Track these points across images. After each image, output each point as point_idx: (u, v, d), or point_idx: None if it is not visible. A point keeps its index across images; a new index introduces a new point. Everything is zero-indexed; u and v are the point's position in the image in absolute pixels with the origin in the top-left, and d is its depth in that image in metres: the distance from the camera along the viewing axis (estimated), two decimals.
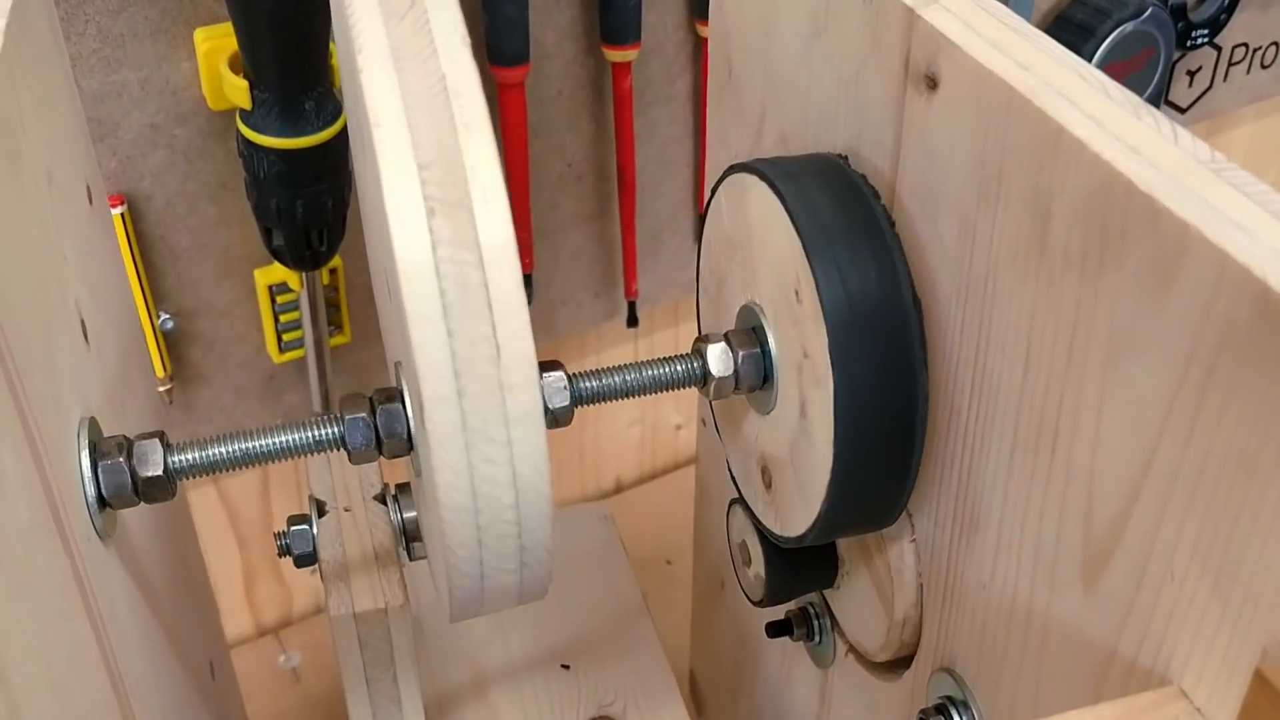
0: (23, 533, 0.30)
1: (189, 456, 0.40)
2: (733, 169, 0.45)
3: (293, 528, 0.54)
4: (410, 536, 0.54)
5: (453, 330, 0.33)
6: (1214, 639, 0.29)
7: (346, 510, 0.56)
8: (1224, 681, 0.29)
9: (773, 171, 0.42)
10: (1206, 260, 0.28)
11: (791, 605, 0.54)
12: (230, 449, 0.40)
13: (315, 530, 0.55)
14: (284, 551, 0.54)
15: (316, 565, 0.54)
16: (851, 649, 0.51)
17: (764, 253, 0.42)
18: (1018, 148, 0.34)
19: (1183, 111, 1.07)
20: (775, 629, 0.54)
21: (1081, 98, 0.33)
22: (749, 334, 0.43)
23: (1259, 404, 0.27)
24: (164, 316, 0.74)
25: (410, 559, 0.54)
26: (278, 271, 0.74)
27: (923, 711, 0.42)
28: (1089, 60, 0.91)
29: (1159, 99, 1.02)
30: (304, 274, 0.73)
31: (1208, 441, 0.29)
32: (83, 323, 0.42)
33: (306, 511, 0.56)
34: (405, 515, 0.54)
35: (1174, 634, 0.31)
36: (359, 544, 0.55)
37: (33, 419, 0.33)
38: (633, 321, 0.90)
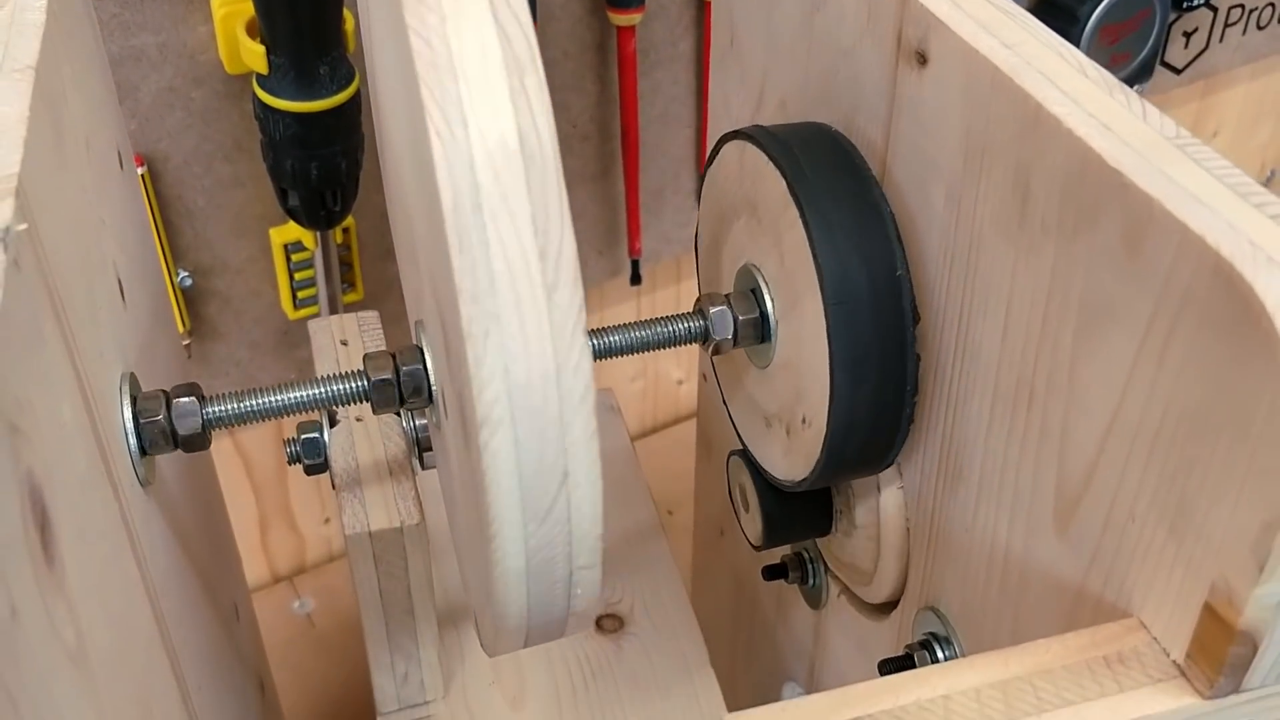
0: (81, 480, 0.33)
1: (224, 408, 0.43)
2: (730, 135, 0.47)
3: (303, 435, 0.53)
4: (423, 446, 0.53)
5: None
6: (1169, 576, 0.32)
7: (358, 420, 0.55)
8: (1178, 614, 0.32)
9: (768, 138, 0.44)
10: (1168, 232, 0.30)
11: (787, 550, 0.57)
12: (262, 401, 0.43)
13: (326, 439, 0.53)
14: (294, 459, 0.53)
15: (329, 474, 0.53)
16: (843, 591, 0.54)
17: (761, 217, 0.45)
18: (1001, 123, 0.36)
19: (1178, 72, 1.09)
20: (771, 572, 0.57)
21: (1060, 76, 0.35)
22: (748, 295, 0.46)
23: (1211, 365, 0.29)
24: (183, 274, 0.76)
25: (423, 468, 0.53)
26: (292, 230, 0.76)
27: (908, 646, 0.45)
28: (1086, 21, 0.93)
29: (1155, 60, 1.03)
30: (318, 233, 0.75)
31: (1166, 398, 0.31)
32: (120, 283, 0.44)
33: (316, 418, 0.54)
34: (418, 424, 0.53)
35: (1135, 572, 0.33)
36: (371, 454, 0.53)
37: (84, 374, 0.35)
38: (636, 279, 0.92)
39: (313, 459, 0.53)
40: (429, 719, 0.60)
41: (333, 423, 0.55)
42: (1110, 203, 0.32)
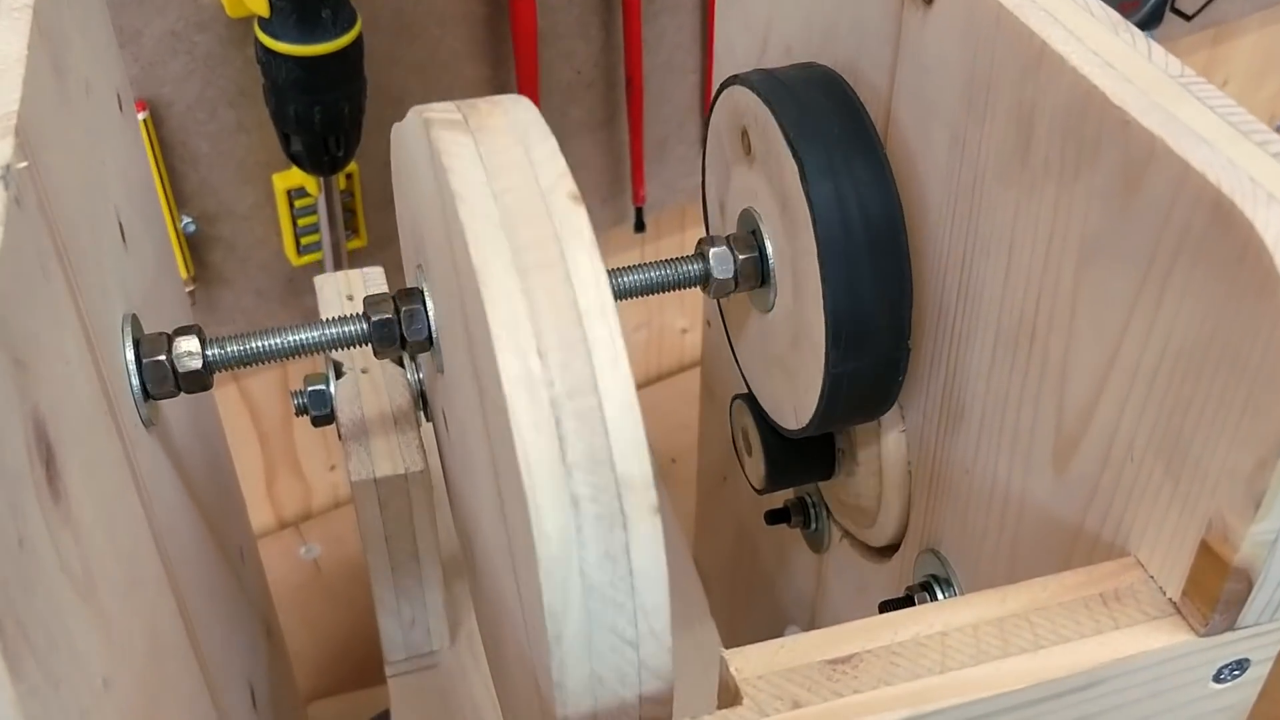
0: (87, 416, 0.33)
1: (225, 350, 0.43)
2: (730, 80, 0.47)
3: (309, 387, 0.53)
4: (427, 398, 0.54)
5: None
6: (1166, 514, 0.32)
7: (364, 371, 0.56)
8: (1174, 552, 0.32)
9: (766, 83, 0.44)
10: (1169, 169, 0.30)
11: (789, 495, 0.57)
12: (263, 343, 0.43)
13: (333, 390, 0.54)
14: (301, 410, 0.54)
15: (335, 425, 0.54)
16: (845, 535, 0.54)
17: (760, 159, 0.45)
18: (1004, 62, 0.36)
19: (1189, 19, 1.08)
20: (774, 516, 0.57)
21: (1064, 14, 0.35)
22: (749, 237, 0.46)
23: (1209, 303, 0.29)
24: (186, 220, 0.76)
25: (427, 419, 0.54)
26: (295, 176, 0.76)
27: (909, 588, 0.46)
28: None
29: (1165, 5, 1.02)
30: (321, 179, 0.75)
31: (1164, 338, 0.31)
32: (120, 225, 0.44)
33: (323, 370, 0.55)
34: (422, 376, 0.53)
35: (1132, 511, 0.34)
36: (377, 405, 0.55)
37: (87, 314, 0.35)
38: (640, 227, 0.92)
39: (319, 410, 0.54)
40: (436, 667, 0.61)
41: (338, 374, 0.56)
42: (1112, 141, 0.32)
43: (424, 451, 0.53)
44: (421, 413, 0.55)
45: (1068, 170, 0.34)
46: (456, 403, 0.41)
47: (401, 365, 0.56)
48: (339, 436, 0.55)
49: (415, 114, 0.37)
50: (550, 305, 0.31)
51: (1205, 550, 0.31)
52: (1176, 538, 0.32)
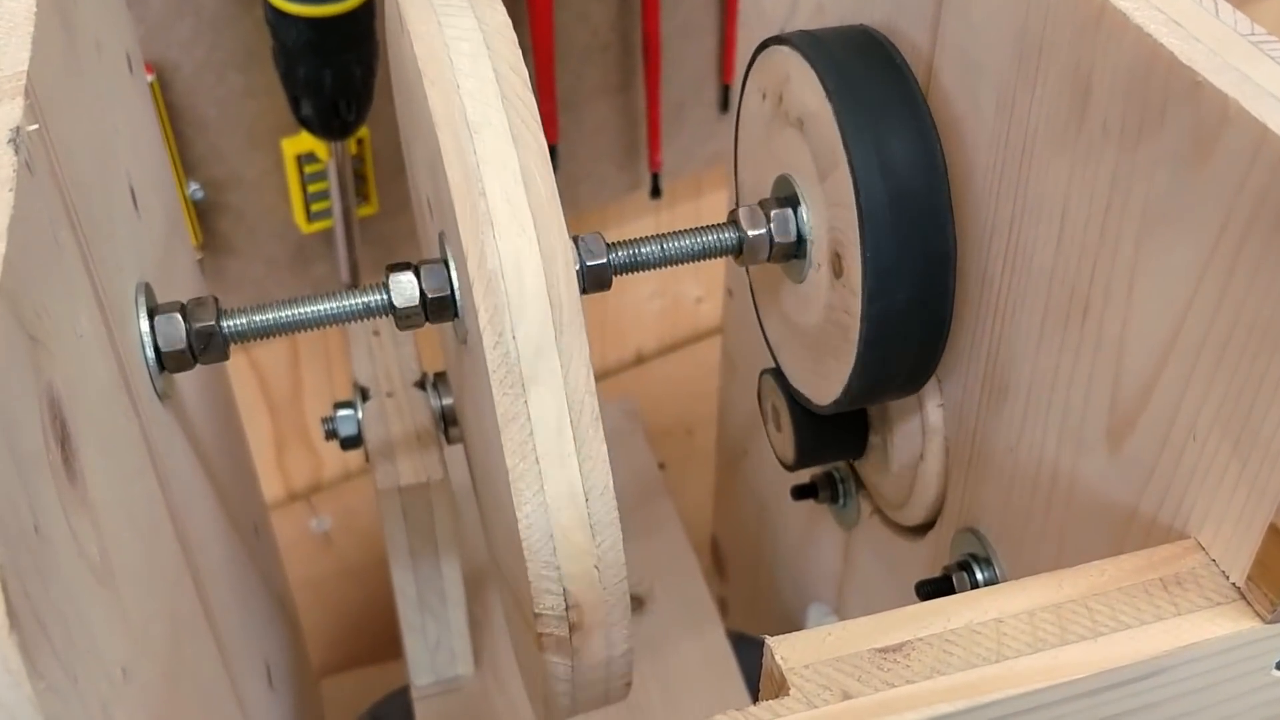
0: (103, 392, 0.31)
1: (241, 320, 0.41)
2: (768, 42, 0.45)
3: (339, 412, 0.58)
4: (449, 421, 0.57)
5: None
6: (1231, 496, 0.31)
7: (389, 395, 0.59)
8: (1239, 535, 0.31)
9: (807, 43, 0.42)
10: (1245, 133, 0.28)
11: (817, 470, 0.56)
12: (282, 314, 0.42)
13: (360, 414, 0.58)
14: (331, 435, 0.58)
15: (363, 447, 0.58)
16: (876, 511, 0.53)
17: (798, 123, 0.43)
18: (1059, 21, 0.34)
19: None
20: (800, 492, 0.56)
21: None
22: (784, 203, 0.44)
23: None
24: (194, 186, 0.75)
25: (449, 442, 0.57)
26: (305, 141, 0.75)
27: (946, 567, 0.44)
28: None
29: None
30: (332, 144, 0.73)
31: (1235, 311, 0.30)
32: (133, 192, 0.43)
33: (349, 397, 0.59)
34: (444, 402, 0.57)
35: (1194, 492, 0.32)
36: (401, 426, 0.58)
37: (100, 284, 0.34)
38: (656, 193, 0.90)
39: (348, 433, 0.58)
40: (460, 690, 0.61)
41: (365, 399, 0.60)
42: (1180, 104, 0.30)
43: (445, 465, 0.56)
44: (443, 435, 0.58)
45: (1129, 135, 0.32)
46: (477, 367, 0.40)
47: (424, 390, 0.59)
48: (365, 459, 0.58)
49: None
50: None
51: (1274, 534, 0.30)
52: (1243, 521, 0.31)
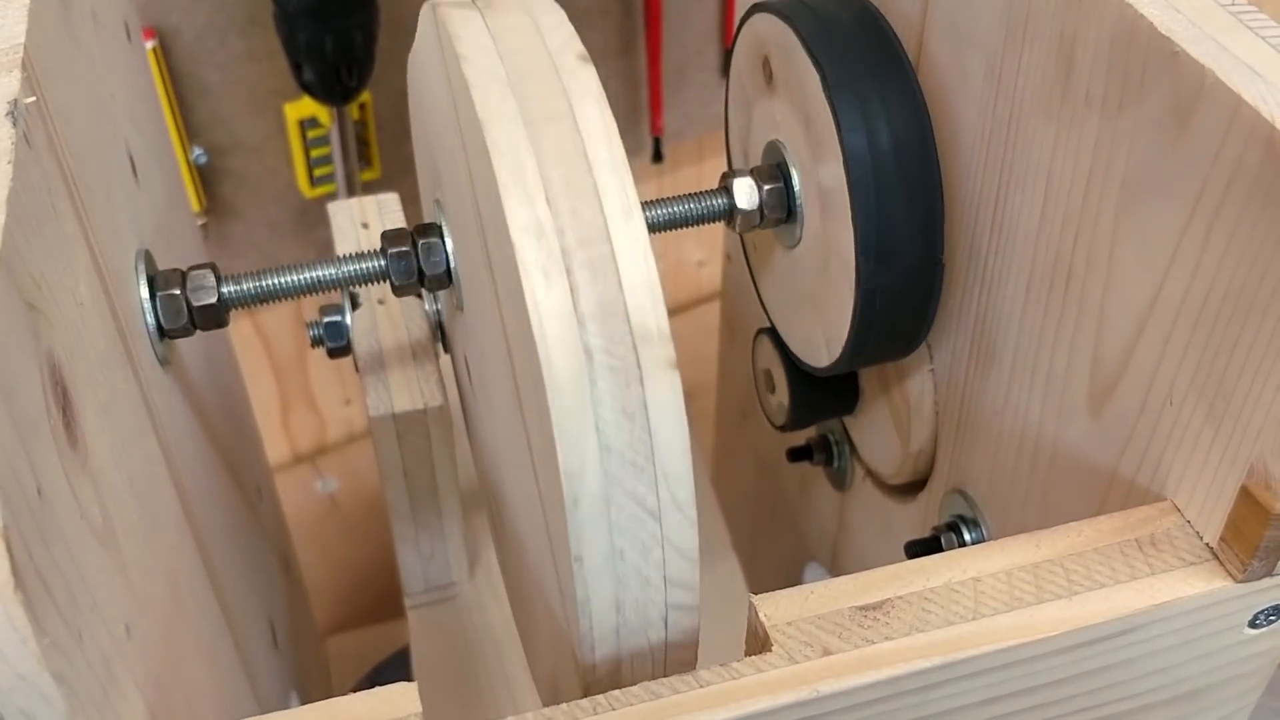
0: (101, 359, 0.32)
1: (240, 287, 0.42)
2: (756, 7, 0.45)
3: (325, 318, 0.52)
4: (445, 329, 0.53)
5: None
6: (1206, 460, 0.32)
7: (380, 303, 0.55)
8: (1213, 497, 0.31)
9: (790, 6, 0.42)
10: (1220, 104, 0.29)
11: (812, 432, 0.57)
12: (280, 280, 0.42)
13: (349, 321, 0.53)
14: (316, 342, 0.52)
15: (351, 357, 0.53)
16: (869, 473, 0.53)
17: (786, 89, 0.43)
18: None
19: None
20: (796, 454, 0.57)
21: None
22: (774, 169, 0.45)
23: (1259, 244, 0.28)
24: (196, 151, 0.75)
25: (445, 351, 0.53)
26: (307, 106, 0.75)
27: (935, 528, 0.45)
28: None
29: None
30: (334, 108, 0.74)
31: (1210, 278, 0.30)
32: (131, 159, 0.43)
33: (338, 301, 0.54)
34: (440, 307, 0.52)
35: (1170, 456, 0.33)
36: (394, 337, 0.54)
37: (99, 251, 0.35)
38: (658, 157, 0.90)
39: (336, 342, 0.53)
40: (454, 600, 0.60)
41: (355, 306, 0.54)
42: (1159, 73, 0.31)
43: (443, 386, 0.53)
44: (440, 345, 0.54)
45: (1110, 104, 0.33)
46: (478, 334, 0.40)
47: (419, 296, 0.54)
48: (355, 369, 0.54)
49: (426, 8, 0.36)
50: (558, 154, 0.30)
51: (1246, 496, 0.30)
52: (1216, 483, 0.31)
